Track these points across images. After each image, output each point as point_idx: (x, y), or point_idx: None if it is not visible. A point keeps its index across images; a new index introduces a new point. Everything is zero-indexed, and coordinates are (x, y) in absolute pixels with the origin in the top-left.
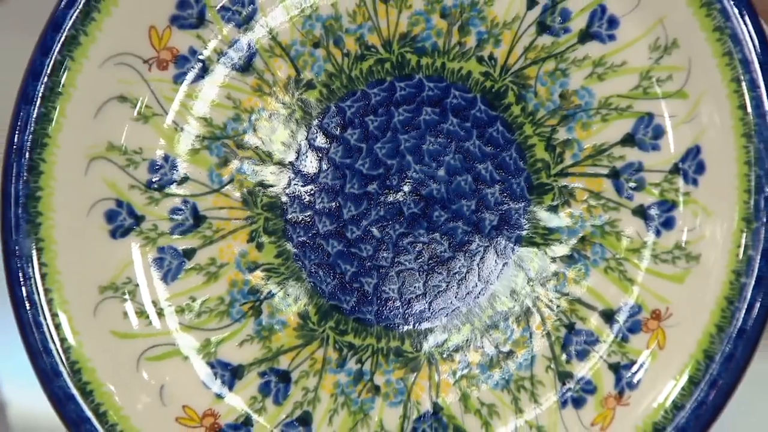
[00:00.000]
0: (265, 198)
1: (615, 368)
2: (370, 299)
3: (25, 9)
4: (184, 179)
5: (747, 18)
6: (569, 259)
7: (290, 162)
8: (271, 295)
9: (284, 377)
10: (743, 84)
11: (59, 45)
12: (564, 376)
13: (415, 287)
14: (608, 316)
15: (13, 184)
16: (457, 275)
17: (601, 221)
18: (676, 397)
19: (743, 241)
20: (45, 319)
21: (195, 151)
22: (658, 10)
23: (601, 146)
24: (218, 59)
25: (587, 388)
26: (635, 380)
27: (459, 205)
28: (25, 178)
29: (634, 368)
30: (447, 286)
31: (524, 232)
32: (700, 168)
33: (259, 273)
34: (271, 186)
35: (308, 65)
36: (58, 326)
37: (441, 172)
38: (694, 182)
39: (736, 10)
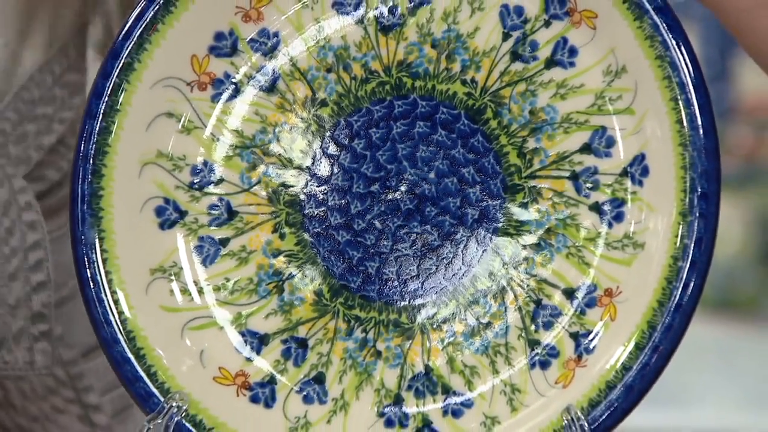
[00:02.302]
0: (287, 196)
1: (575, 336)
2: (373, 280)
3: None
4: (220, 181)
5: (683, 48)
6: (537, 247)
7: (307, 166)
8: (291, 276)
9: (302, 344)
10: (680, 103)
11: (117, 70)
12: (533, 343)
13: (410, 270)
14: (569, 294)
15: (79, 185)
16: (444, 260)
17: (564, 215)
18: (624, 360)
19: (680, 232)
20: (106, 296)
21: (229, 158)
22: (610, 42)
23: (564, 154)
24: (248, 82)
25: (552, 353)
26: (591, 346)
27: (446, 202)
28: (89, 180)
29: (591, 336)
30: (436, 268)
31: (500, 225)
32: (645, 171)
33: (281, 258)
34: (292, 186)
35: (322, 87)
36: (116, 302)
37: (432, 175)
38: (640, 183)
39: (674, 42)
